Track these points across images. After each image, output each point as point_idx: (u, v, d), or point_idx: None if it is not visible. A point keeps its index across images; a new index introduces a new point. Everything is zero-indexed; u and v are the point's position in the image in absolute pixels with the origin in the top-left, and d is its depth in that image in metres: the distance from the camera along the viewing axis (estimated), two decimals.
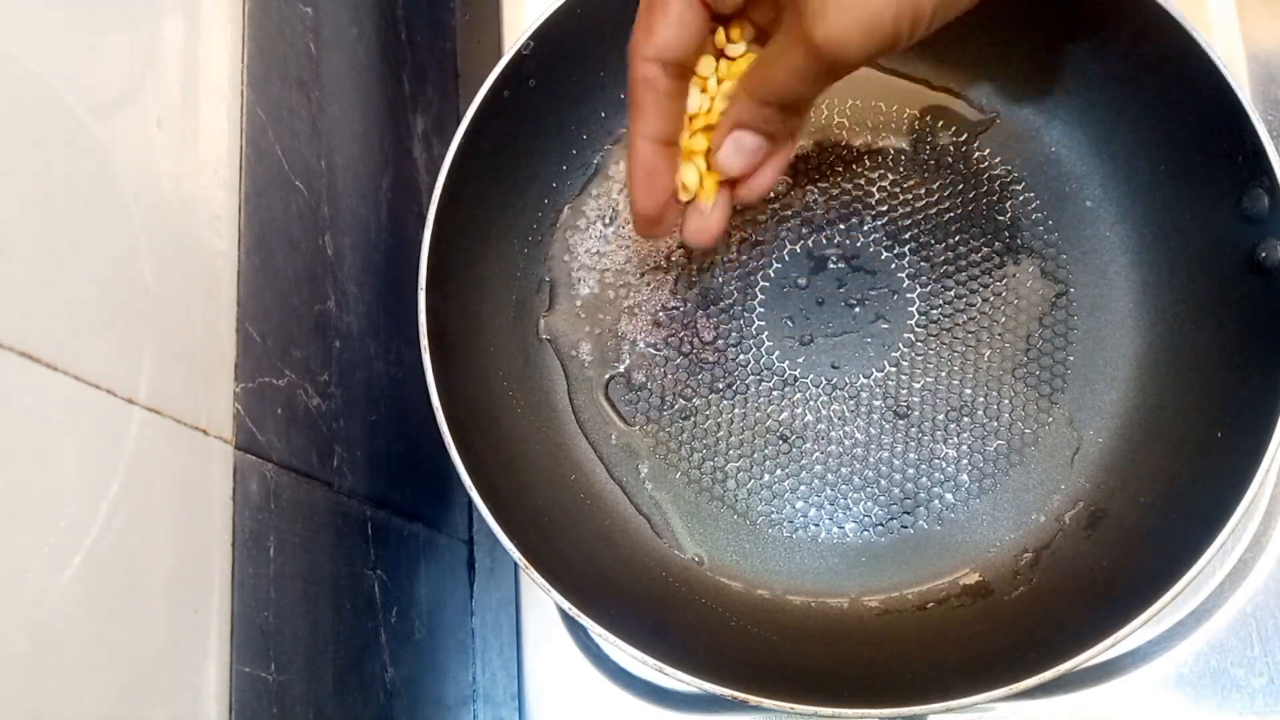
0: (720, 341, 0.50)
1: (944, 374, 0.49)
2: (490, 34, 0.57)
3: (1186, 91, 0.44)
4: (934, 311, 0.50)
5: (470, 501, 0.42)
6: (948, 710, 0.39)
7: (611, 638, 0.40)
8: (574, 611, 0.40)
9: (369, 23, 0.51)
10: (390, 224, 0.51)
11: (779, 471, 0.49)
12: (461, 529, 0.57)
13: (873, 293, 0.50)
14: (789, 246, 0.51)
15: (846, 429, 0.49)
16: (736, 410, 0.49)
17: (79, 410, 0.27)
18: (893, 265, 0.50)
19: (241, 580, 0.34)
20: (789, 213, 0.51)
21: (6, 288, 0.25)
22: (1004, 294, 0.50)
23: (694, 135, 0.38)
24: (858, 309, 0.50)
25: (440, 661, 0.52)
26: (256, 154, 0.37)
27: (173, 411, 0.31)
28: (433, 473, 0.54)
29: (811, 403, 0.49)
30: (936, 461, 0.48)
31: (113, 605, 0.28)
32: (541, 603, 0.50)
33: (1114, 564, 0.45)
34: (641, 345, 0.50)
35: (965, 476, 0.48)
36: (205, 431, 0.33)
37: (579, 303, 0.51)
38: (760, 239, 0.51)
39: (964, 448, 0.48)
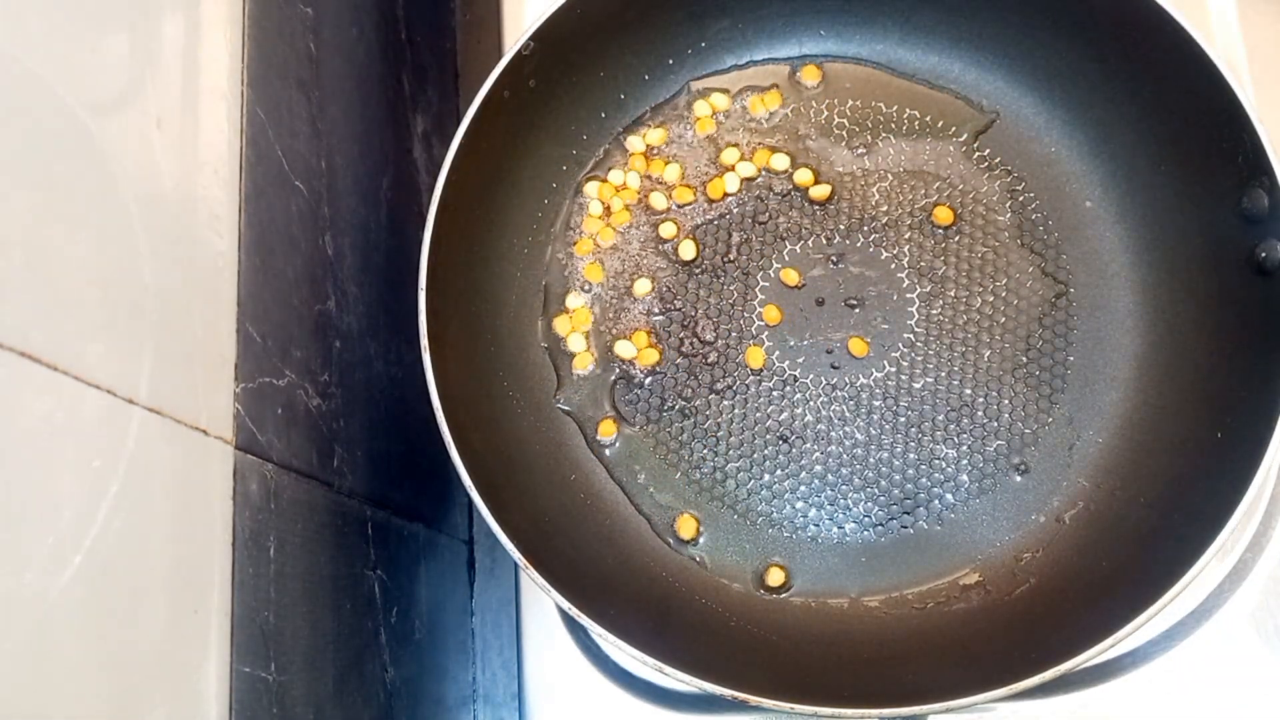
0: (720, 342, 0.50)
1: (944, 374, 0.49)
2: (490, 34, 0.57)
3: (1186, 92, 0.45)
4: (934, 312, 0.50)
5: (470, 501, 0.42)
6: (948, 710, 0.39)
7: (611, 638, 0.40)
8: (574, 611, 0.40)
9: (369, 23, 0.51)
10: (390, 224, 0.51)
11: (779, 472, 0.49)
12: (461, 529, 0.57)
13: (872, 292, 0.50)
14: (789, 247, 0.51)
15: (846, 429, 0.49)
16: (736, 410, 0.49)
17: (79, 410, 0.27)
18: (892, 265, 0.50)
19: (241, 580, 0.34)
20: (789, 214, 0.51)
21: (6, 288, 0.25)
22: (1004, 294, 0.50)
23: None
24: (857, 309, 0.50)
25: (440, 661, 0.52)
26: (256, 154, 0.37)
27: (173, 411, 0.31)
28: (433, 473, 0.54)
29: (811, 403, 0.49)
30: (936, 462, 0.48)
31: (113, 605, 0.28)
32: (541, 603, 0.50)
33: (1114, 564, 0.45)
34: (641, 345, 0.50)
35: (965, 477, 0.48)
36: (205, 431, 0.33)
37: (579, 303, 0.51)
38: (760, 240, 0.51)
39: (964, 448, 0.48)
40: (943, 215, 0.50)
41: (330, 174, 0.44)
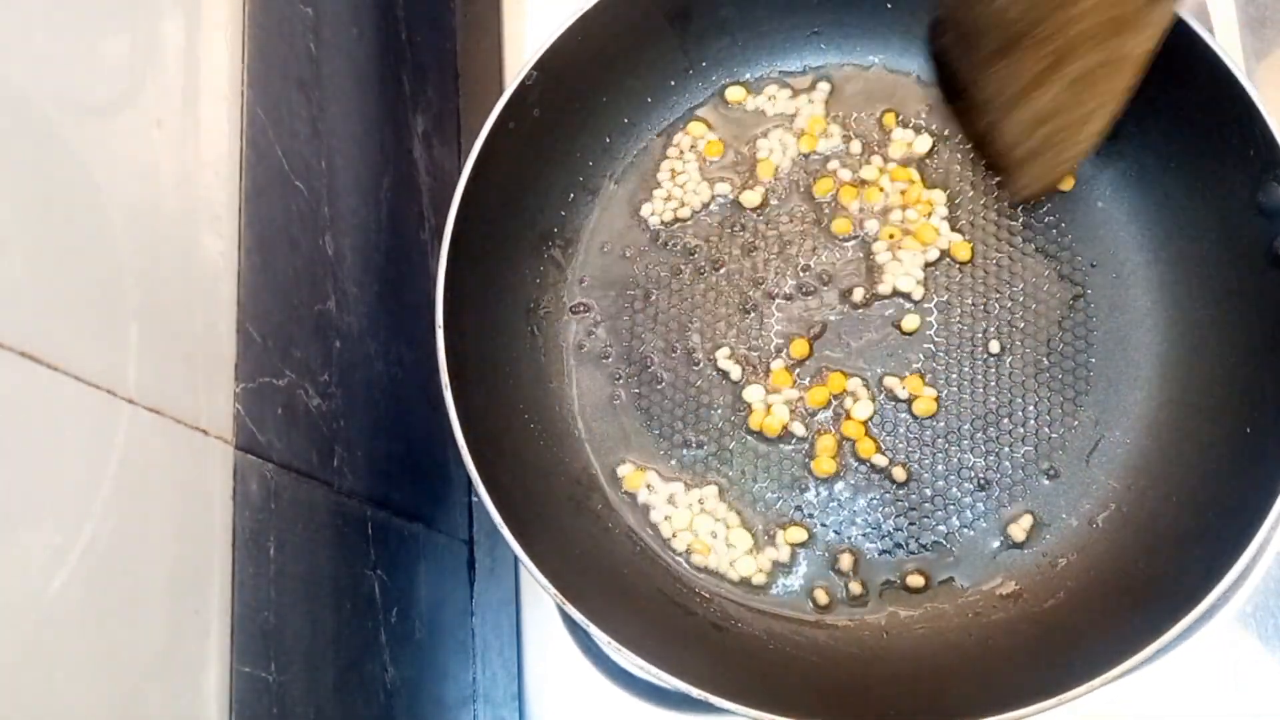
0: (738, 366, 0.50)
1: (966, 383, 0.49)
2: (490, 34, 0.57)
3: (1192, 88, 0.44)
4: (952, 322, 0.49)
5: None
6: None
7: (659, 673, 0.40)
8: (614, 645, 0.40)
9: (369, 23, 0.51)
10: (390, 224, 0.51)
11: (808, 494, 0.48)
12: (461, 529, 0.57)
13: (890, 305, 0.50)
14: (803, 262, 0.51)
15: (872, 445, 0.49)
16: (760, 431, 0.49)
17: (79, 410, 0.27)
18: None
19: (242, 580, 0.34)
20: (802, 227, 0.51)
21: (7, 288, 0.25)
22: (1020, 299, 0.49)
23: None
24: (876, 322, 0.50)
25: (440, 661, 0.52)
26: (257, 154, 0.37)
27: (173, 412, 0.31)
28: (433, 473, 0.54)
29: (836, 421, 0.49)
30: (965, 471, 0.48)
31: (113, 605, 0.28)
32: (542, 603, 0.50)
33: (1151, 564, 0.44)
34: (658, 372, 0.50)
35: (995, 485, 0.48)
36: (205, 432, 0.33)
37: (595, 332, 0.50)
38: (773, 256, 0.51)
39: (992, 456, 0.48)
40: (953, 221, 0.50)
41: (330, 174, 0.44)
